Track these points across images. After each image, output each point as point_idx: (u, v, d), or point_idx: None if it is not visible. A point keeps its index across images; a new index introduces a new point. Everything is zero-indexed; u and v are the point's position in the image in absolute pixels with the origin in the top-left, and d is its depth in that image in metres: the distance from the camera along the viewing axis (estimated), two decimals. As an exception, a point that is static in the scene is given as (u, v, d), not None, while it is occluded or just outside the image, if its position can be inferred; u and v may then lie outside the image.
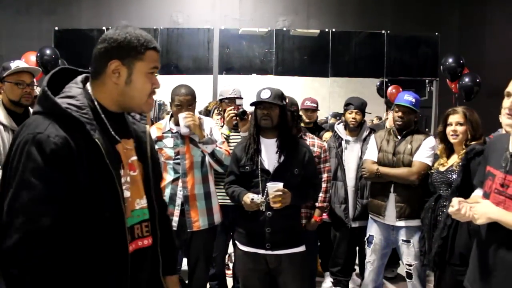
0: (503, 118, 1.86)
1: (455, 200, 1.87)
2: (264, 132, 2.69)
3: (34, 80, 2.70)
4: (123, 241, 1.39)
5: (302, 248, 2.68)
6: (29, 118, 1.36)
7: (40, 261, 1.22)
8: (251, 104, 2.69)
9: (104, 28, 6.47)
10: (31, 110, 2.71)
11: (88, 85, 1.43)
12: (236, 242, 2.76)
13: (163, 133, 2.99)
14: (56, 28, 6.46)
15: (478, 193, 2.11)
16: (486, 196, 1.93)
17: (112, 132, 1.40)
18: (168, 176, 2.95)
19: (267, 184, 2.49)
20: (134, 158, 1.51)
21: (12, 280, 1.22)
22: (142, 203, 1.51)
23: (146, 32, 1.45)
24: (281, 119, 2.66)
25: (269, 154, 2.65)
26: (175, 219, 2.90)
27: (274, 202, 2.45)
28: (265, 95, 2.61)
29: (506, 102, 1.85)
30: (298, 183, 2.61)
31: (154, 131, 3.00)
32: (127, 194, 1.44)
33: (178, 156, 2.94)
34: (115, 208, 1.37)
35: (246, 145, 2.69)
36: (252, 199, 2.52)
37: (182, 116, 2.83)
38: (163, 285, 1.63)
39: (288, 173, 2.59)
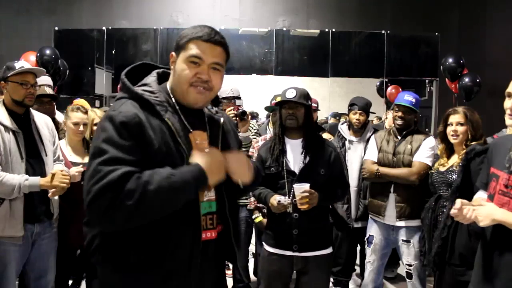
0: (506, 119, 1.86)
1: (458, 202, 1.85)
2: (289, 133, 2.67)
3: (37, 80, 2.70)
4: (197, 223, 1.46)
5: (329, 250, 2.66)
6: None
7: (111, 208, 1.30)
8: (277, 104, 2.68)
9: (104, 28, 6.48)
10: (32, 110, 2.71)
11: (168, 82, 1.55)
12: (263, 243, 2.73)
13: None
14: (56, 28, 6.45)
15: (481, 195, 2.07)
16: (490, 198, 1.90)
17: (185, 122, 1.48)
18: None
19: (294, 185, 2.47)
20: (207, 150, 1.53)
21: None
22: (209, 195, 1.54)
23: (209, 27, 1.51)
24: (306, 119, 2.63)
25: (295, 155, 2.63)
26: None
27: (301, 203, 2.42)
28: (291, 94, 2.58)
29: (507, 103, 1.84)
30: (324, 184, 2.57)
31: None
32: None
33: None
34: None
35: (271, 146, 2.67)
36: (279, 201, 2.49)
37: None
38: (225, 279, 1.72)
39: (314, 173, 2.56)
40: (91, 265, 1.72)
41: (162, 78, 1.58)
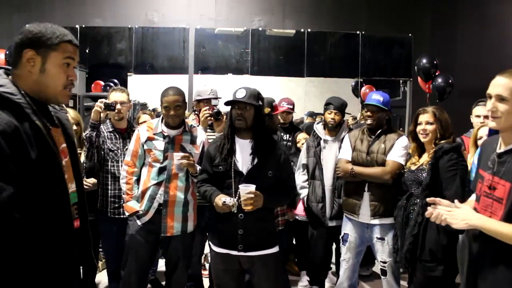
0: (489, 121, 1.86)
1: (437, 199, 1.87)
2: (239, 132, 2.64)
3: None
4: (68, 216, 1.53)
5: (275, 249, 2.65)
6: None
7: None
8: (226, 104, 2.65)
9: (77, 26, 6.37)
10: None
11: (9, 78, 1.50)
12: (210, 242, 2.72)
13: (154, 134, 2.95)
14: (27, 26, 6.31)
15: (473, 197, 2.07)
16: (477, 200, 1.90)
17: (44, 119, 1.48)
18: (152, 179, 2.93)
19: (239, 186, 2.45)
20: (64, 145, 1.61)
21: None
22: (72, 187, 1.63)
23: (62, 28, 1.54)
24: (256, 120, 2.61)
25: (244, 155, 2.61)
26: (145, 218, 2.92)
27: (246, 204, 2.42)
28: (240, 94, 2.55)
29: (488, 105, 1.86)
30: (271, 186, 2.57)
31: (144, 130, 2.98)
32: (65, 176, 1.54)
33: (166, 161, 2.91)
34: (61, 184, 1.49)
35: (220, 145, 2.64)
36: (224, 202, 2.47)
37: (177, 157, 2.83)
38: (95, 263, 1.81)
39: (262, 175, 2.55)
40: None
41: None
